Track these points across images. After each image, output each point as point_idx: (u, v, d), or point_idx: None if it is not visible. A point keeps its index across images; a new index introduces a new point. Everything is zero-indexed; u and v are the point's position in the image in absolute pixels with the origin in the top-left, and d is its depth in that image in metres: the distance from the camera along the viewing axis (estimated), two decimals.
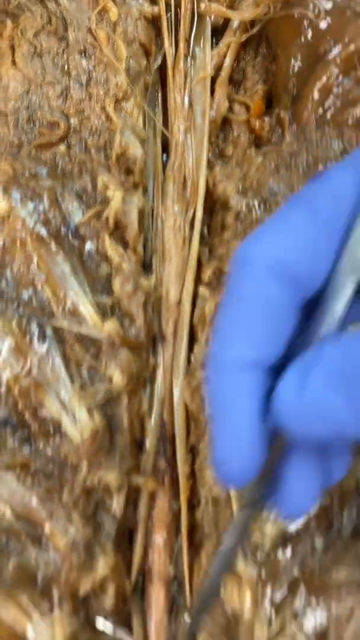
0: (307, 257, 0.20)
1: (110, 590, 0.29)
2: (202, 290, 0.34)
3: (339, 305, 0.20)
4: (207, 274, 0.34)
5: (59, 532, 0.28)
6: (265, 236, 0.20)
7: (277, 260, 0.19)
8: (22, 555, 0.28)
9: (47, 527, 0.28)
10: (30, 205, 0.33)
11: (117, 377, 0.30)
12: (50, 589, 0.28)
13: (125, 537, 0.30)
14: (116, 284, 0.32)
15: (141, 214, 0.35)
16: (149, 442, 0.31)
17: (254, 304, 0.20)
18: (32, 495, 0.28)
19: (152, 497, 0.31)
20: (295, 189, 0.36)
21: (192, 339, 0.33)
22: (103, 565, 0.28)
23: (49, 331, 0.30)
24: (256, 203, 0.35)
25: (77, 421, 0.29)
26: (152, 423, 0.32)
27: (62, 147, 0.37)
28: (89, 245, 0.34)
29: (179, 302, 0.34)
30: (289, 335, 0.20)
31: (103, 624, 0.28)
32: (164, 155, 0.40)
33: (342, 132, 0.37)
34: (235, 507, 0.28)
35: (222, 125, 0.41)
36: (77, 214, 0.34)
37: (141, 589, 0.30)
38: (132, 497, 0.30)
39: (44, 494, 0.28)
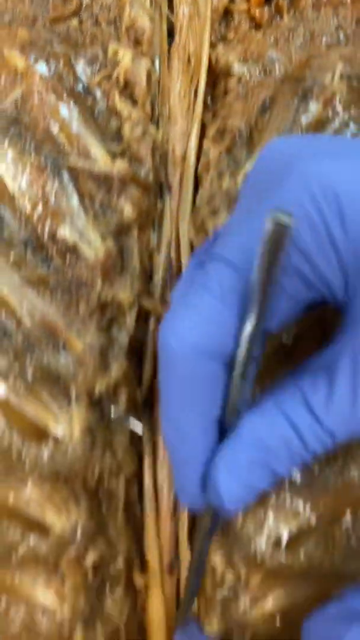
0: (217, 337, 0.23)
1: (123, 395, 0.31)
2: (207, 143, 0.36)
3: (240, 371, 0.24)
4: (211, 132, 0.37)
5: (76, 338, 0.30)
6: (178, 325, 0.24)
7: (192, 344, 0.23)
8: (42, 358, 0.30)
9: (65, 334, 0.30)
10: (46, 65, 0.36)
11: (128, 210, 0.33)
12: (68, 388, 0.30)
13: (135, 355, 0.33)
14: (126, 129, 0.34)
15: (148, 78, 0.37)
16: (157, 276, 0.34)
17: (186, 378, 0.24)
18: (51, 307, 0.31)
19: (160, 321, 0.33)
20: (292, 58, 0.38)
21: (197, 186, 0.36)
22: (116, 370, 0.31)
23: (64, 169, 0.33)
24: (256, 70, 0.38)
25: (92, 244, 0.32)
26: (160, 258, 0.34)
27: (74, 21, 0.39)
28: (100, 103, 0.36)
29: (184, 157, 0.36)
30: (223, 392, 0.24)
31: (115, 411, 0.30)
32: (169, 40, 0.42)
33: (337, 10, 0.40)
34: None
35: (224, 15, 0.44)
36: (88, 76, 0.36)
37: (150, 405, 0.33)
38: (142, 318, 0.33)
39: (62, 307, 0.31)
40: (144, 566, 0.32)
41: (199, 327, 0.23)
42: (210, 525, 0.27)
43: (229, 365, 0.24)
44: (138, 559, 0.32)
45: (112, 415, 0.30)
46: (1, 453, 0.29)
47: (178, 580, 0.33)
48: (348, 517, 0.29)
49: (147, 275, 0.34)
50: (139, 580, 0.32)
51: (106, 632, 0.31)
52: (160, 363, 0.25)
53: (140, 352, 0.33)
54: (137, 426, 0.31)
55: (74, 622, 0.30)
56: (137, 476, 0.32)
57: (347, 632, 0.25)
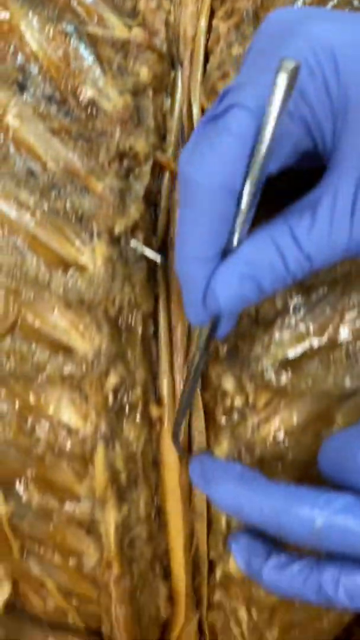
0: (234, 175, 0.26)
1: (140, 238, 0.34)
2: (216, 22, 0.39)
3: (245, 205, 0.27)
4: (219, 13, 0.39)
5: (96, 179, 0.33)
6: (203, 162, 0.26)
7: (218, 181, 0.26)
8: (65, 199, 0.33)
9: (86, 179, 0.33)
10: None
11: (144, 73, 0.35)
12: (90, 226, 0.33)
13: (151, 207, 0.35)
14: (141, 3, 0.37)
15: None
16: (170, 137, 0.36)
17: (206, 210, 0.27)
18: (74, 155, 0.33)
19: (173, 177, 0.36)
20: None
21: (207, 61, 0.38)
22: (134, 212, 0.33)
23: (83, 35, 0.35)
24: None
25: (111, 100, 0.34)
26: (173, 121, 0.37)
27: None
28: None
29: (195, 37, 0.39)
30: (229, 229, 0.28)
31: (135, 243, 0.33)
32: None
33: None
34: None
35: None
36: None
37: (164, 253, 0.35)
38: (157, 173, 0.35)
39: (83, 154, 0.33)
40: (159, 402, 0.35)
41: (222, 165, 0.26)
42: (209, 332, 0.30)
43: (238, 200, 0.27)
44: (153, 394, 0.35)
45: (131, 245, 0.33)
46: (29, 281, 0.32)
47: (190, 417, 0.35)
48: (349, 338, 0.32)
49: (161, 135, 0.36)
50: (154, 411, 0.34)
51: (124, 456, 0.33)
52: (183, 196, 0.28)
53: (155, 204, 0.36)
54: (156, 257, 0.33)
55: (95, 441, 0.32)
56: (153, 317, 0.35)
57: None
